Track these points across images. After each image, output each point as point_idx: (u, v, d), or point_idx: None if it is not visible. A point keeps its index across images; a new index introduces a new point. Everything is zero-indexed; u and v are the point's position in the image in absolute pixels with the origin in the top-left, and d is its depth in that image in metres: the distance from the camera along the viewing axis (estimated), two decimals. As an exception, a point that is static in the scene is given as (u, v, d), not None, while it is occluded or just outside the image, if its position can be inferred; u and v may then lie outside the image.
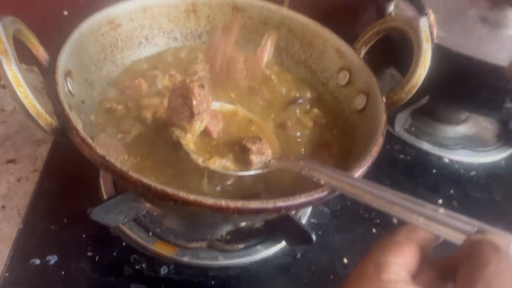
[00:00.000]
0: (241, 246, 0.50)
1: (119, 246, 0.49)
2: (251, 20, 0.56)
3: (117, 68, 0.51)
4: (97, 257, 0.48)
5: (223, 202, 0.33)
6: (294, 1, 0.78)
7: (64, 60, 0.40)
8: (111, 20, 0.49)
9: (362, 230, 0.56)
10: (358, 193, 0.34)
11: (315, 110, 0.53)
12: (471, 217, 0.64)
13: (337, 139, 0.51)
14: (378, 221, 0.57)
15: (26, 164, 0.64)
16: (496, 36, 0.61)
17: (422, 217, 0.28)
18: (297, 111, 0.53)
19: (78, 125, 0.35)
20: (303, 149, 0.49)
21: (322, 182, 0.37)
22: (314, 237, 0.46)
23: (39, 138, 0.65)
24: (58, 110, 0.36)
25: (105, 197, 0.51)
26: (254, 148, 0.40)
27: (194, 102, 0.40)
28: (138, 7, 0.51)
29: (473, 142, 0.71)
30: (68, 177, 0.54)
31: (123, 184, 0.34)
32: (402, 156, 0.66)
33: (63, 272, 0.46)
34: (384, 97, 0.46)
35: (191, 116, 0.40)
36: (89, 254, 0.48)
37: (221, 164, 0.41)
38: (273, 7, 0.55)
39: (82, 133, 0.34)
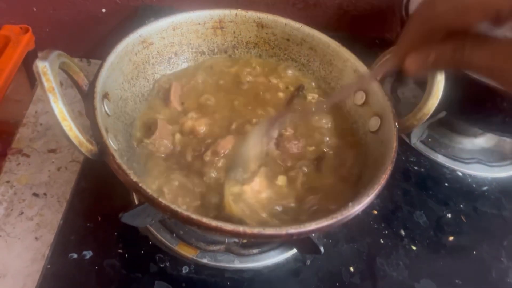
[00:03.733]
0: (255, 251, 0.54)
1: (146, 245, 0.53)
2: (274, 36, 0.58)
3: (148, 83, 0.54)
4: (126, 254, 0.52)
5: (240, 228, 0.37)
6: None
7: (101, 84, 0.44)
8: (144, 40, 0.52)
9: (370, 240, 0.58)
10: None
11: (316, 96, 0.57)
12: (478, 232, 0.66)
13: (352, 155, 0.54)
14: (386, 232, 0.59)
15: (65, 154, 0.69)
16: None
17: None
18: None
19: (115, 151, 0.39)
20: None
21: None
22: (322, 249, 0.50)
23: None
24: (96, 136, 0.40)
25: (135, 198, 0.56)
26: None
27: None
28: (169, 26, 0.54)
29: (490, 156, 0.71)
30: (102, 179, 0.58)
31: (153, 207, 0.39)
32: (416, 168, 0.67)
33: (96, 267, 0.51)
34: (396, 123, 0.48)
35: None
36: (120, 251, 0.52)
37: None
38: (296, 25, 0.57)
39: (118, 160, 0.38)
